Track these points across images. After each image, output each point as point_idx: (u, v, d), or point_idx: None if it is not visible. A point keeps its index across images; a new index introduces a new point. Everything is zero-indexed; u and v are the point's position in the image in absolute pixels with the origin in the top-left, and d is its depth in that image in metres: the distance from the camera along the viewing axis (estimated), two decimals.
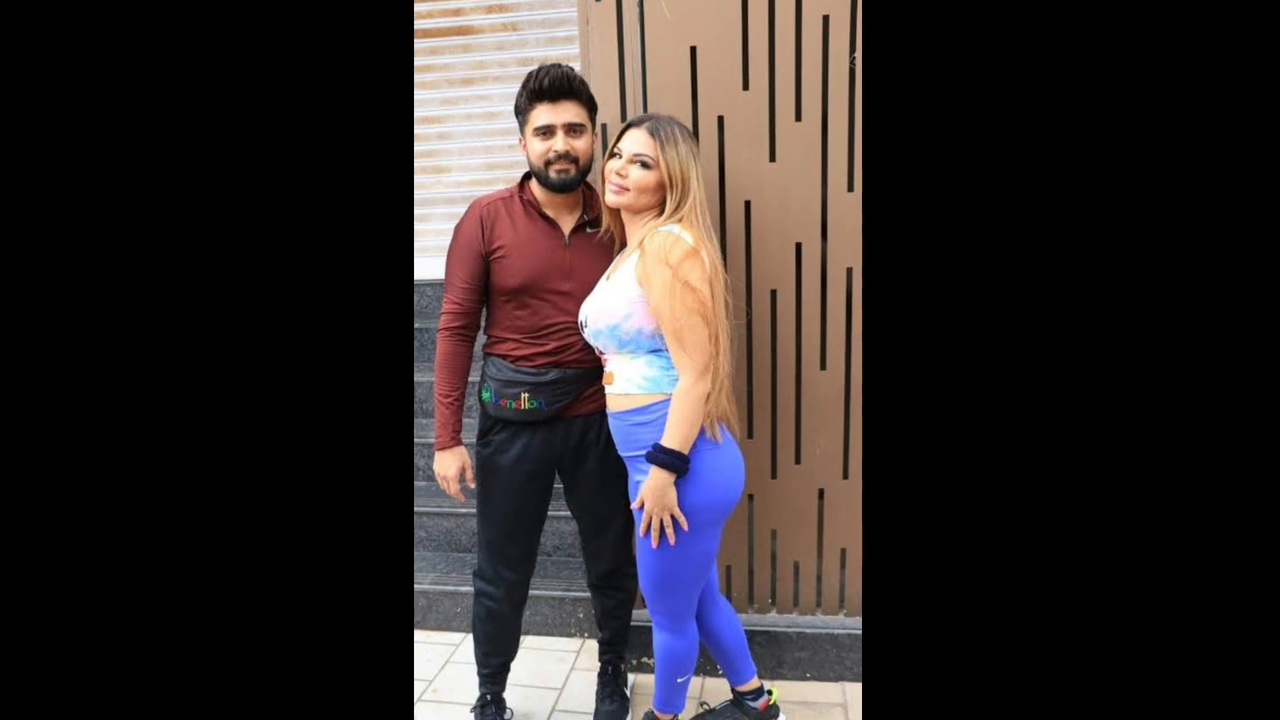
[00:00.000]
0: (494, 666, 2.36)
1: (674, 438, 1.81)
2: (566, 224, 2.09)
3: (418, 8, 3.83)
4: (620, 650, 2.54)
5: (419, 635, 2.99)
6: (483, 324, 2.20)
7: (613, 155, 1.91)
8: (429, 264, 3.78)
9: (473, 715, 2.39)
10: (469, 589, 2.85)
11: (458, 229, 2.12)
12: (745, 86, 2.28)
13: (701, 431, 1.84)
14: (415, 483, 3.38)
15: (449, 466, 2.17)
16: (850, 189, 2.30)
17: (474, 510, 2.33)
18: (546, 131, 1.99)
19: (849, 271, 2.35)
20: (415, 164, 3.97)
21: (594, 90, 2.11)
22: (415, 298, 3.92)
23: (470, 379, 2.21)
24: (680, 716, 2.23)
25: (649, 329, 1.85)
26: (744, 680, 2.29)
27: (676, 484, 1.84)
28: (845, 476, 2.48)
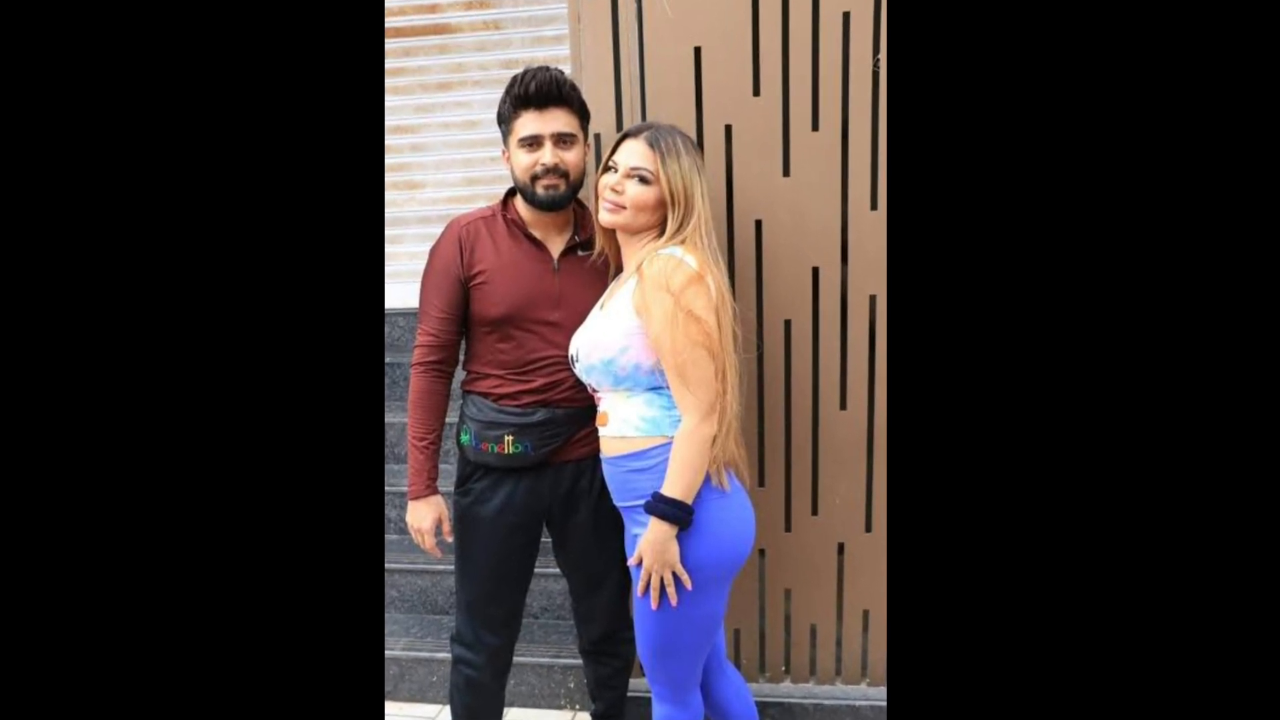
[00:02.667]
0: None
1: (676, 486, 1.80)
2: (555, 246, 2.11)
3: (389, 4, 3.87)
4: None
5: (390, 708, 2.97)
6: (462, 358, 2.20)
7: (607, 169, 1.92)
8: (401, 290, 3.78)
9: None
10: (446, 655, 2.83)
11: (433, 252, 2.13)
12: (756, 92, 2.30)
13: (707, 479, 1.84)
14: (386, 536, 3.37)
15: (424, 518, 2.16)
16: (873, 207, 2.32)
17: (451, 567, 2.32)
18: (533, 142, 2.01)
19: (872, 299, 2.36)
20: (386, 179, 4.00)
21: (586, 96, 2.12)
22: (386, 329, 3.93)
23: (448, 420, 2.22)
24: None
25: (648, 364, 1.86)
26: None
27: (679, 537, 1.83)
28: (868, 529, 2.46)
